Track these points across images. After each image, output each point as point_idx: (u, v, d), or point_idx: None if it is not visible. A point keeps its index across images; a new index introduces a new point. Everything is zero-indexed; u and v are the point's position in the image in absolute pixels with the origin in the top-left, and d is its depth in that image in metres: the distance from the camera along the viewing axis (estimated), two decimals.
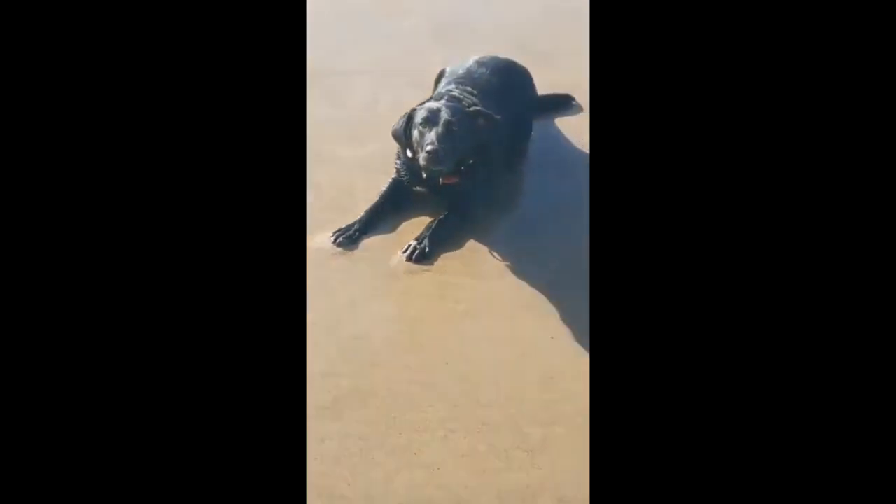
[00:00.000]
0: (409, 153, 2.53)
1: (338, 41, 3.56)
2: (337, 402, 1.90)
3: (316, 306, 2.07)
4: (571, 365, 2.00)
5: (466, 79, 2.70)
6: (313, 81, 2.77)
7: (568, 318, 2.14)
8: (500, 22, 3.82)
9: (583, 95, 3.19)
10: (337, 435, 1.81)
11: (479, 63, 2.79)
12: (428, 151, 2.36)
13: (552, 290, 2.24)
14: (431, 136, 2.38)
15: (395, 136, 2.55)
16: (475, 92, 2.60)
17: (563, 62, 3.42)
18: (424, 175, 2.51)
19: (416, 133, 2.44)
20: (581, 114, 3.17)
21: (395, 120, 2.54)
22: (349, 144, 2.88)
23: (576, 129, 3.05)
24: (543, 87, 3.07)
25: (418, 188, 2.59)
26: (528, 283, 2.29)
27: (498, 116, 2.52)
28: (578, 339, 2.07)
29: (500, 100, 2.66)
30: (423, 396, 1.92)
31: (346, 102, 3.15)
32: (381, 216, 2.53)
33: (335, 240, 2.42)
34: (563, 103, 3.18)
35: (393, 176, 2.62)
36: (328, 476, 1.72)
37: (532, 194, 2.73)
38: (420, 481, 1.72)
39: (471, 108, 2.49)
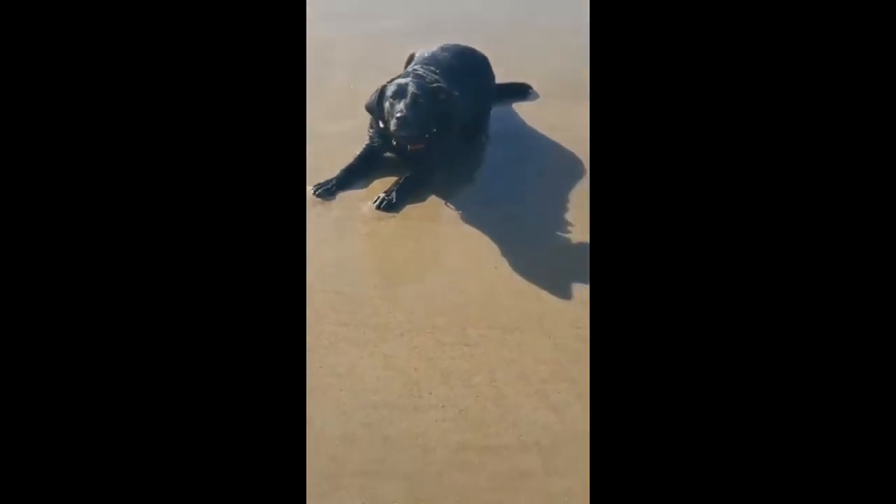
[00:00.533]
0: (380, 123, 2.93)
1: (323, 36, 3.98)
2: (311, 311, 2.27)
3: None
4: (508, 285, 2.39)
5: (431, 61, 3.11)
6: None
7: (508, 253, 2.53)
8: (474, 23, 4.26)
9: (540, 86, 3.62)
10: (310, 332, 2.18)
11: (443, 48, 3.21)
12: (397, 118, 2.76)
13: (497, 235, 2.63)
14: (400, 105, 2.78)
15: (369, 108, 2.96)
16: (437, 71, 3.01)
17: (528, 58, 3.87)
18: (394, 142, 2.91)
19: (387, 105, 2.84)
20: (538, 100, 3.59)
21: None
22: (330, 121, 3.29)
23: (531, 113, 3.47)
24: (505, 77, 3.49)
25: (388, 153, 3.00)
26: (478, 229, 2.67)
27: (456, 93, 2.93)
28: (515, 268, 2.46)
29: (460, 79, 3.06)
30: (384, 307, 2.31)
31: (328, 87, 3.56)
32: (356, 175, 2.92)
33: (315, 192, 2.81)
34: (521, 91, 3.59)
35: (366, 143, 3.02)
36: None
37: (487, 165, 3.14)
38: (378, 365, 2.10)
39: (433, 85, 2.90)
